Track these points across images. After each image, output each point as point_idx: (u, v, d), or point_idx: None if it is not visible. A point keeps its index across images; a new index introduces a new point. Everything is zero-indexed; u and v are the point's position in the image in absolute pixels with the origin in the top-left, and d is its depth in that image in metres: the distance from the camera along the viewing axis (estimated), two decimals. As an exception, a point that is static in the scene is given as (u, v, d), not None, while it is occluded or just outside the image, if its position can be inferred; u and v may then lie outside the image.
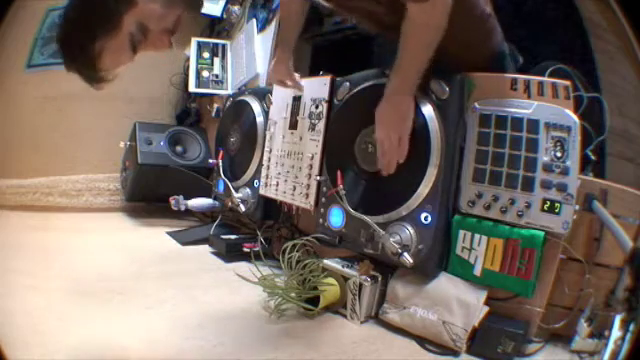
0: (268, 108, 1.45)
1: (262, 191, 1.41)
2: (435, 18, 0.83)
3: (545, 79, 0.92)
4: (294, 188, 1.27)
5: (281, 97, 1.37)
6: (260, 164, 1.43)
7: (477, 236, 0.93)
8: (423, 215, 0.95)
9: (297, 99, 1.30)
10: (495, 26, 1.08)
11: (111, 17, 0.66)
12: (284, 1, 1.25)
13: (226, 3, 2.06)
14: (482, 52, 1.07)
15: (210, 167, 1.73)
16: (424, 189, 0.95)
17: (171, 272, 1.29)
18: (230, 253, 1.42)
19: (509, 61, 1.17)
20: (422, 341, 0.92)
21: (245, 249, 1.38)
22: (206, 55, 2.00)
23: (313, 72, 1.28)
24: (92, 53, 0.66)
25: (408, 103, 0.94)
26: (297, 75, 1.26)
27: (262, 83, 1.77)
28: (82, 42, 0.66)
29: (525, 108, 0.90)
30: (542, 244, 0.85)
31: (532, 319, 0.89)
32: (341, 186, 1.06)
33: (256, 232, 1.40)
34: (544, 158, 0.86)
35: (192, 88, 1.96)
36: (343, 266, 1.05)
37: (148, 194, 1.93)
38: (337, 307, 1.04)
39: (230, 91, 1.94)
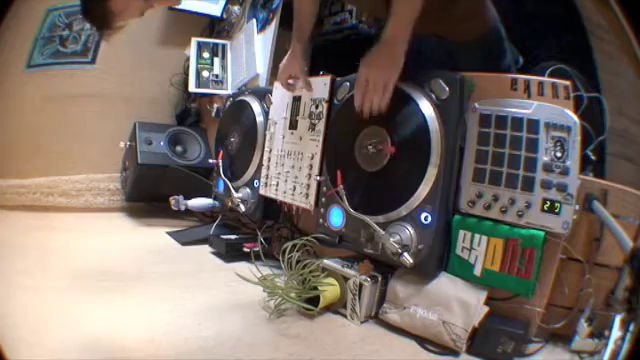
0: (268, 108, 1.45)
1: (262, 191, 1.41)
2: None
3: (545, 79, 0.92)
4: (294, 188, 1.27)
5: (281, 97, 1.37)
6: (260, 164, 1.43)
7: (477, 236, 0.93)
8: (423, 215, 0.95)
9: (297, 99, 1.30)
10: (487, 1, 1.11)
11: None
12: None
13: (226, 3, 2.06)
14: (476, 23, 1.10)
15: (210, 167, 1.73)
16: (424, 189, 0.95)
17: (171, 272, 1.29)
18: (230, 253, 1.42)
19: (508, 44, 1.18)
20: (422, 341, 0.92)
21: (245, 249, 1.38)
22: (206, 55, 2.00)
23: (313, 72, 1.27)
24: None
25: (401, 50, 0.93)
26: None
27: (262, 83, 1.78)
28: None
29: (525, 108, 0.89)
30: (542, 244, 0.85)
31: (532, 319, 0.89)
32: (341, 186, 1.06)
33: (256, 232, 1.40)
34: (544, 158, 0.86)
35: (192, 88, 1.96)
36: (343, 266, 1.05)
37: (148, 194, 1.93)
38: (337, 307, 1.04)
39: (230, 91, 1.94)
